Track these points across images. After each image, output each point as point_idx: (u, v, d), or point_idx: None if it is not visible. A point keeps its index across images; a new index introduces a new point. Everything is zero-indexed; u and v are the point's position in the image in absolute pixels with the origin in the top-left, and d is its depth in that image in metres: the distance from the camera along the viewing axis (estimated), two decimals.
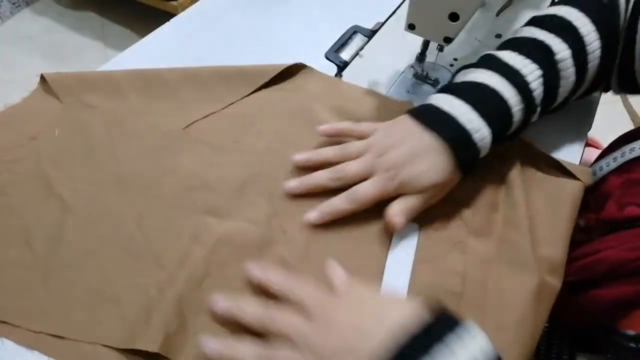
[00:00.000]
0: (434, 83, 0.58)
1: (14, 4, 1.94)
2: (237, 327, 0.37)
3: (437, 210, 0.45)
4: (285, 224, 0.44)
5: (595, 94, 0.54)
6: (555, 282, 0.41)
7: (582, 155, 0.52)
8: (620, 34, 0.46)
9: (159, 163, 0.48)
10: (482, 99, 0.42)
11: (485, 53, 0.47)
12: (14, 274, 0.41)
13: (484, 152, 0.43)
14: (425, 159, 0.41)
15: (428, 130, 0.41)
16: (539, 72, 0.43)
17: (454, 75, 0.49)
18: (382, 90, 0.57)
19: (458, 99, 0.42)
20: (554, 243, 0.42)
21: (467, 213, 0.45)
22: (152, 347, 0.35)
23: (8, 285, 0.40)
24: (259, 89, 0.55)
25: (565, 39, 0.44)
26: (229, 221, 0.44)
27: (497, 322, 0.38)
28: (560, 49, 0.44)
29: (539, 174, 0.47)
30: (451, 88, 0.44)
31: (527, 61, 0.43)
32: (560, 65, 0.44)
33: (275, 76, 0.56)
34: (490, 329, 0.37)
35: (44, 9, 1.99)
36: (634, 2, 0.45)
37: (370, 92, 0.56)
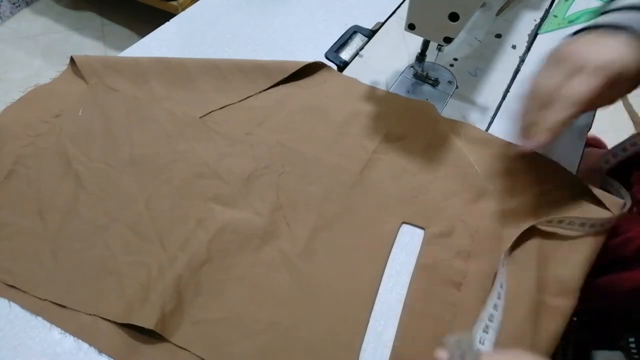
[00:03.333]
0: (434, 83, 0.58)
1: (14, 4, 1.94)
2: (234, 313, 0.39)
3: (443, 215, 0.45)
4: (290, 218, 0.45)
5: None
6: (565, 303, 0.40)
7: (582, 155, 0.52)
8: None
9: (172, 149, 0.50)
10: None
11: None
12: (26, 242, 0.43)
13: None
14: (630, 56, 0.38)
15: (623, 34, 0.39)
16: None
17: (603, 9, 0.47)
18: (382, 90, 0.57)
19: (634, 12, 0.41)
20: (569, 265, 0.41)
21: (474, 223, 0.44)
22: (148, 324, 0.36)
23: (19, 252, 0.42)
24: (277, 84, 0.56)
25: None
26: (233, 210, 0.45)
27: (496, 333, 0.38)
28: None
29: (568, 198, 0.46)
30: (615, 9, 0.43)
31: None
32: None
33: (294, 73, 0.56)
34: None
35: (44, 9, 1.99)
36: None
37: (389, 94, 0.56)
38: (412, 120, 0.52)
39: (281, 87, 0.56)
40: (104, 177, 0.47)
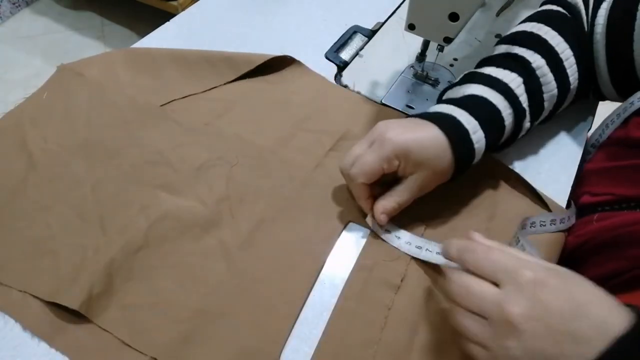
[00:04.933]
0: (434, 83, 0.58)
1: (14, 4, 1.94)
2: (162, 299, 0.39)
3: (391, 218, 0.44)
4: (235, 209, 0.45)
5: None
6: None
7: (582, 155, 0.52)
8: (596, 41, 0.47)
9: (127, 134, 0.50)
10: (474, 106, 0.43)
11: (465, 72, 0.48)
12: None
13: (477, 157, 0.43)
14: (424, 139, 0.40)
15: (430, 124, 0.41)
16: (519, 79, 0.44)
17: (440, 96, 0.49)
18: (382, 90, 0.57)
19: (453, 106, 0.43)
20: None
21: (420, 226, 0.44)
22: (73, 304, 0.37)
23: None
24: (245, 77, 0.57)
25: (537, 50, 0.46)
26: (179, 198, 0.45)
27: (428, 341, 0.38)
28: (534, 59, 0.45)
29: (516, 198, 0.47)
30: (443, 101, 0.45)
31: (506, 72, 0.45)
32: (538, 73, 0.45)
33: (265, 68, 0.57)
34: (419, 346, 0.37)
35: (44, 9, 1.99)
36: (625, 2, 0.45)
37: (352, 95, 0.57)
38: (373, 122, 0.52)
39: (247, 80, 0.56)
40: (55, 159, 0.47)
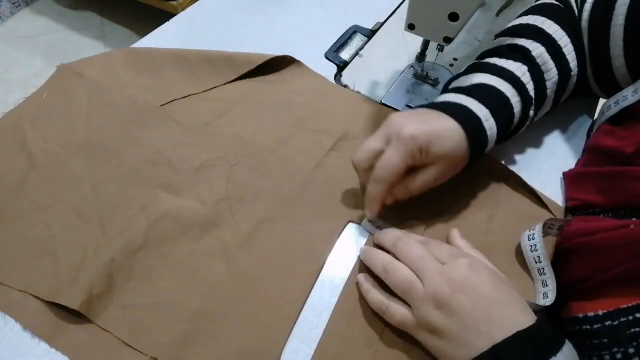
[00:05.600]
0: (434, 83, 0.58)
1: (14, 4, 1.94)
2: (163, 300, 0.39)
3: (392, 215, 0.44)
4: (235, 209, 0.45)
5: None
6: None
7: (582, 155, 0.52)
8: (583, 32, 0.48)
9: (127, 135, 0.50)
10: (484, 94, 0.43)
11: (469, 64, 0.48)
12: None
13: (490, 145, 0.43)
14: (442, 131, 0.40)
15: (445, 115, 0.41)
16: (524, 68, 0.45)
17: (446, 86, 0.49)
18: (382, 90, 0.57)
19: (463, 95, 0.43)
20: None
21: (420, 226, 0.44)
22: (73, 304, 0.37)
23: None
24: (245, 77, 0.57)
25: (536, 39, 0.46)
26: (179, 198, 0.45)
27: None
28: (534, 47, 0.46)
29: (516, 199, 0.47)
30: (452, 90, 0.45)
31: (510, 61, 0.45)
32: (539, 60, 0.46)
33: (265, 68, 0.57)
34: (419, 346, 0.37)
35: (44, 9, 1.99)
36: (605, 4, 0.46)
37: (352, 95, 0.57)
38: (373, 122, 0.53)
39: (248, 80, 0.56)
40: (55, 159, 0.47)
